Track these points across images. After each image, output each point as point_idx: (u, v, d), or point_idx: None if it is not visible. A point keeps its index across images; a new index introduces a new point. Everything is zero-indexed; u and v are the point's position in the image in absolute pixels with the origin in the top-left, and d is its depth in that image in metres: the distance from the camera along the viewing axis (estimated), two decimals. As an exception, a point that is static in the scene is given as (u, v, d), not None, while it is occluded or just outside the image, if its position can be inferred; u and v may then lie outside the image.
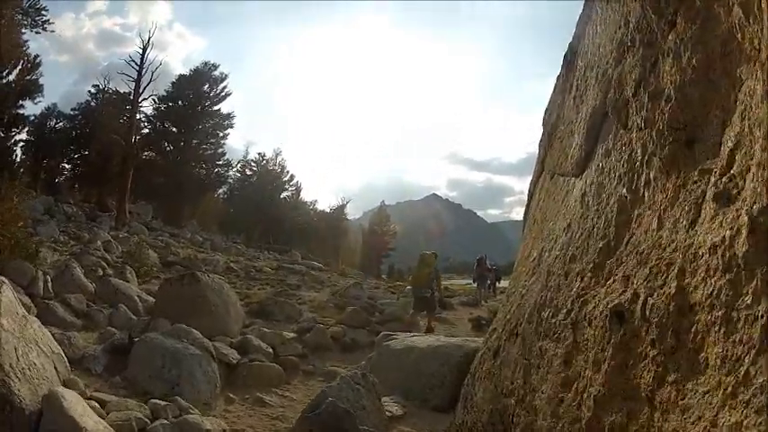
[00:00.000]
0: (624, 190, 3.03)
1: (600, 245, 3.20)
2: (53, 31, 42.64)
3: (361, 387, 6.15)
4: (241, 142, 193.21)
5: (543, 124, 6.92)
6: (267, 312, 14.95)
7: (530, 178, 7.22)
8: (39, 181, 45.58)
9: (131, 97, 43.05)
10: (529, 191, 7.33)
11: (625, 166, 3.07)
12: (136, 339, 9.09)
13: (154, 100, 49.73)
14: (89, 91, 51.42)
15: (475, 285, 26.28)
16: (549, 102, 6.58)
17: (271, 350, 11.09)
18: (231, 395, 8.86)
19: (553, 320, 3.67)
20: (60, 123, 50.42)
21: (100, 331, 10.63)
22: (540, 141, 6.86)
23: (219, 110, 56.74)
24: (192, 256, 26.34)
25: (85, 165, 49.17)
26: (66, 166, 52.21)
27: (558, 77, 6.05)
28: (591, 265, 3.26)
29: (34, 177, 45.37)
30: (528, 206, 7.16)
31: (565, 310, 3.50)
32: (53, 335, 7.85)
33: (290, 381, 10.31)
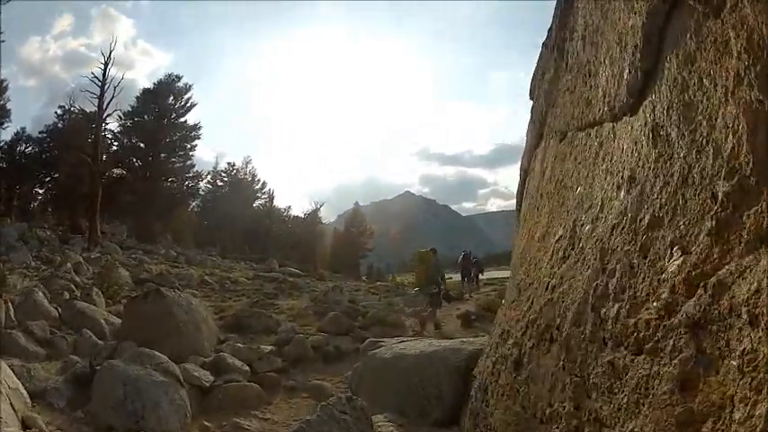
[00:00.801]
0: (754, 92, 1.89)
1: (723, 188, 2.01)
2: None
3: (347, 415, 5.08)
4: (212, 154, 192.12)
5: (532, 95, 6.21)
6: (243, 325, 13.89)
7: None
8: (12, 208, 44.95)
9: (96, 115, 42.05)
10: (522, 168, 6.42)
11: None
12: (97, 367, 8.23)
13: (119, 116, 49.58)
14: (56, 112, 50.42)
15: (459, 279, 26.12)
16: (537, 69, 5.77)
17: (247, 368, 10.20)
18: (206, 422, 7.93)
19: (631, 320, 2.49)
20: (30, 147, 49.43)
21: (63, 360, 9.72)
22: (532, 114, 6.10)
23: (186, 121, 55.87)
24: (164, 271, 25.35)
25: (57, 187, 48.37)
26: (40, 190, 51.41)
27: (547, 39, 5.39)
28: (706, 225, 2.08)
29: (8, 204, 44.80)
30: (524, 184, 6.24)
31: (658, 304, 2.30)
32: (13, 368, 7.53)
33: (271, 400, 9.44)
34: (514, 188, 6.92)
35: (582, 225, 3.37)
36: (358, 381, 8.08)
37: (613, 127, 3.14)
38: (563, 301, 3.31)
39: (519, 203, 6.51)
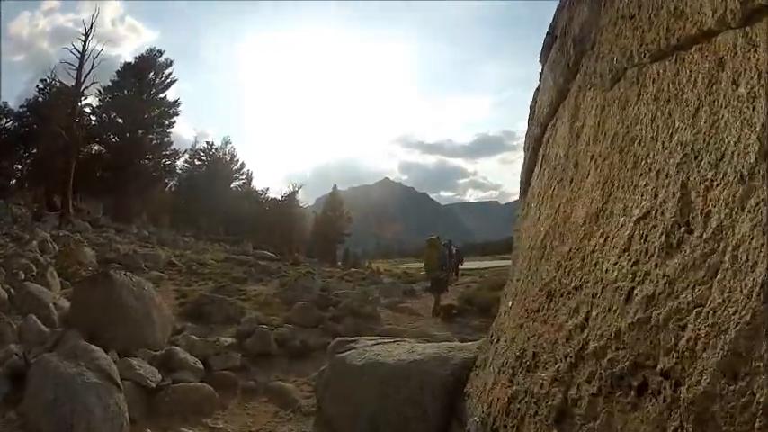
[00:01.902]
0: None
1: None
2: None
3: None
4: (193, 133, 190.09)
5: (545, 54, 5.03)
6: (203, 313, 12.59)
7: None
8: (-8, 184, 43.17)
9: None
10: (531, 139, 5.17)
11: None
12: (32, 361, 7.28)
13: (99, 91, 48.29)
14: (37, 86, 47.97)
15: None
16: (560, 18, 4.50)
17: (201, 365, 9.03)
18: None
19: None
20: (10, 122, 47.31)
21: (5, 350, 8.44)
22: (546, 74, 4.89)
23: (165, 97, 54.24)
24: (131, 252, 23.97)
25: (34, 163, 46.48)
26: (18, 166, 49.19)
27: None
28: None
29: (-12, 181, 42.97)
30: (535, 157, 5.00)
31: None
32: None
33: (226, 404, 8.34)
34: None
35: (707, 188, 1.99)
36: (324, 388, 6.78)
37: (745, 33, 1.84)
38: (683, 325, 1.89)
39: (526, 183, 5.28)
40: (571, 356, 2.57)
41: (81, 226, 32.67)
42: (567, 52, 4.11)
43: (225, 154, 62.11)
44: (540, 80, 5.38)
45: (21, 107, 47.53)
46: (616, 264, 2.41)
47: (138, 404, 7.34)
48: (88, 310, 9.49)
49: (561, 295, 2.98)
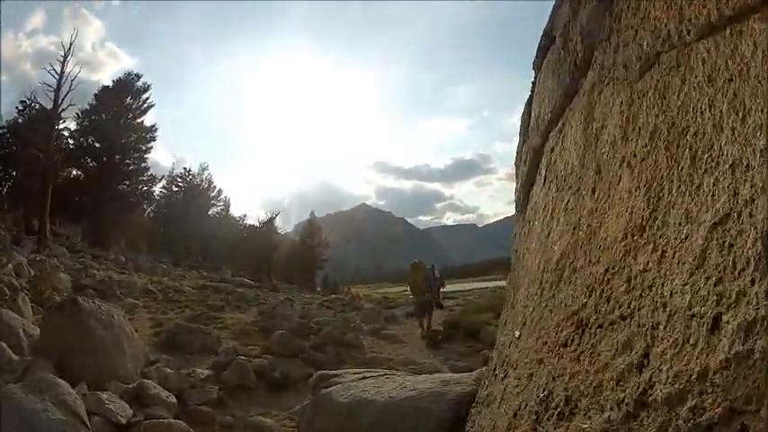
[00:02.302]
0: None
1: None
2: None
3: None
4: (172, 159, 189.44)
5: (539, 60, 4.69)
6: (178, 343, 11.89)
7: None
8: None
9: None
10: (530, 149, 4.67)
11: None
12: None
13: (77, 114, 47.65)
14: (17, 107, 47.03)
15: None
16: (558, 17, 4.05)
17: (174, 399, 8.38)
18: (116, 474, 6.20)
19: None
20: (-11, 144, 46.18)
21: None
22: (545, 76, 4.45)
23: (142, 122, 53.45)
24: (106, 278, 23.22)
25: (14, 185, 45.43)
26: (-1, 188, 48.15)
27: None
28: None
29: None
30: (535, 169, 4.53)
31: None
32: None
33: None
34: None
35: None
36: (307, 426, 6.22)
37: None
38: None
39: (524, 199, 4.79)
40: (627, 403, 2.04)
41: (58, 251, 31.84)
42: (572, 49, 3.66)
43: (202, 180, 61.33)
44: (532, 90, 5.00)
45: (0, 128, 46.66)
46: (686, 284, 1.88)
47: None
48: (57, 339, 9.02)
49: (599, 326, 2.44)
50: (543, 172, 4.22)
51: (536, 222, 4.13)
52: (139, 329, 12.87)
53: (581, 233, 3.01)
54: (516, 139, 5.45)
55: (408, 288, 18.45)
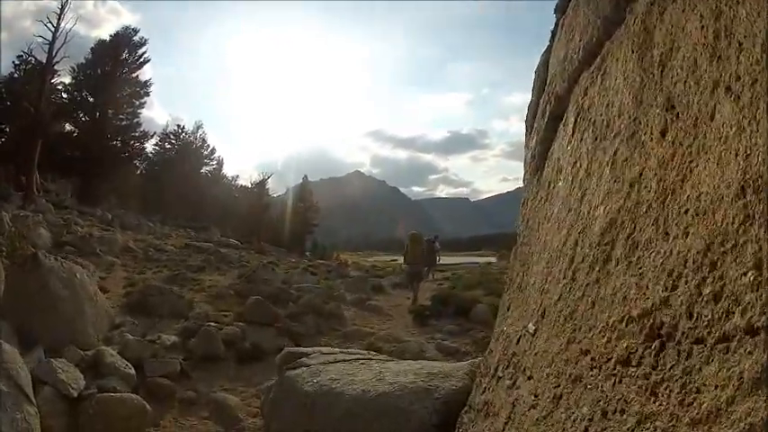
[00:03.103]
0: None
1: None
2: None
3: None
4: (167, 118, 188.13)
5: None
6: (148, 306, 10.91)
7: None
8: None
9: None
10: (555, 99, 3.69)
11: None
12: None
13: (72, 68, 46.39)
14: (13, 62, 45.10)
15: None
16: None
17: (133, 370, 7.54)
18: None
19: None
20: (-16, 100, 44.95)
21: None
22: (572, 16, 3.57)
23: (137, 77, 51.77)
24: (87, 235, 22.23)
25: (6, 141, 43.87)
26: (-7, 143, 46.94)
27: None
28: None
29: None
30: (548, 130, 3.69)
31: None
32: None
33: (160, 419, 6.99)
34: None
35: None
36: (271, 409, 5.29)
37: None
38: None
39: (540, 158, 3.85)
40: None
41: (44, 206, 30.64)
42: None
43: (196, 138, 60.09)
44: (552, 39, 4.27)
45: (-5, 83, 45.66)
46: None
47: (57, 417, 6.05)
48: (19, 298, 8.22)
49: (698, 341, 1.40)
50: (571, 121, 3.25)
51: (559, 183, 3.18)
52: (112, 289, 12.15)
53: (645, 192, 2.02)
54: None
55: (403, 257, 18.40)
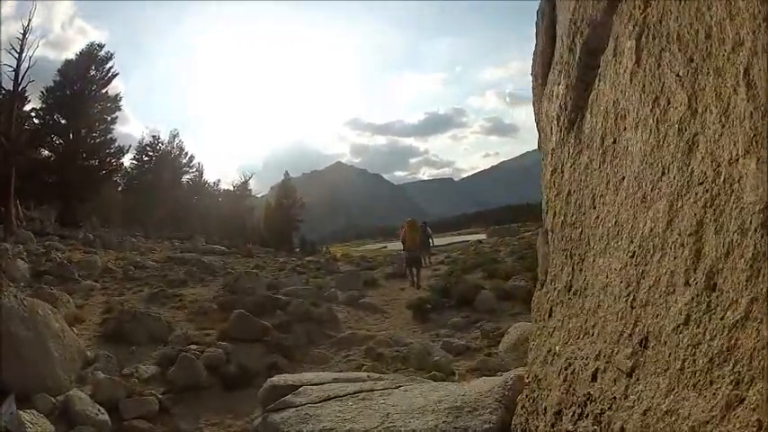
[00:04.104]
0: None
1: None
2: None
3: None
4: (146, 132, 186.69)
5: None
6: (124, 333, 9.67)
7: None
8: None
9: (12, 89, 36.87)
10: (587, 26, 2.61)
11: None
12: None
13: (42, 92, 45.19)
14: None
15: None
16: None
17: (106, 415, 6.52)
18: None
19: None
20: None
21: None
22: None
23: (107, 92, 49.89)
24: (66, 261, 21.06)
25: None
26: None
27: None
28: None
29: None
30: (582, 68, 2.71)
31: None
32: None
33: None
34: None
35: None
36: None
37: None
38: None
39: (574, 106, 2.76)
40: None
41: (25, 236, 29.07)
42: None
43: (173, 148, 58.93)
44: None
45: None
46: None
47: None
48: None
49: None
50: (629, 47, 2.14)
51: (627, 134, 2.09)
52: (89, 317, 11.02)
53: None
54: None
55: (402, 243, 18.35)
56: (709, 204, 1.53)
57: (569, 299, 2.58)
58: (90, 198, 47.25)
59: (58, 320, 8.45)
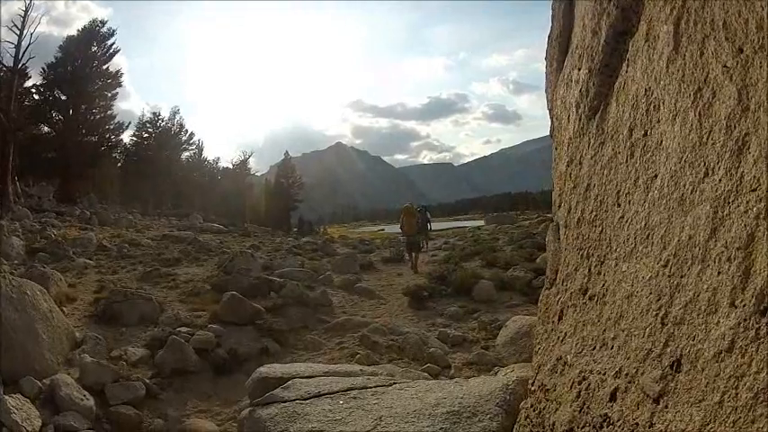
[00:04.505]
0: None
1: None
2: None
3: None
4: (147, 108, 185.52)
5: None
6: (114, 314, 9.42)
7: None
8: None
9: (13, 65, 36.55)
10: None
11: None
12: None
13: (43, 69, 45.23)
14: None
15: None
16: None
17: (91, 401, 6.29)
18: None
19: None
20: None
21: None
22: None
23: (108, 68, 49.71)
24: (61, 238, 20.79)
25: None
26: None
27: None
28: None
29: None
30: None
31: None
32: None
33: None
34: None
35: None
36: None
37: None
38: None
39: (597, 91, 2.53)
40: None
41: (22, 213, 28.89)
42: None
43: (173, 125, 58.74)
44: None
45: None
46: None
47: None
48: None
49: None
50: (666, 31, 1.91)
51: (660, 127, 1.85)
52: (81, 296, 10.76)
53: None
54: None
55: (400, 227, 19.22)
56: (762, 216, 1.31)
57: (584, 303, 2.36)
58: (89, 174, 47.18)
59: (47, 301, 8.21)
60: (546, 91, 3.78)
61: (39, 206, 33.69)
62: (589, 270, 2.38)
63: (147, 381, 7.01)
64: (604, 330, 2.12)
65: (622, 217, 2.15)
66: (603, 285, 2.20)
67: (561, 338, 2.55)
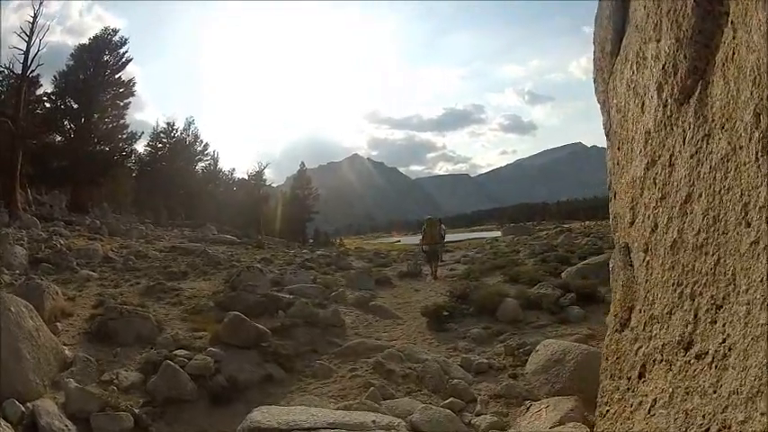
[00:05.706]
0: None
1: None
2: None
3: None
4: (162, 119, 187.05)
5: None
6: (108, 333, 8.77)
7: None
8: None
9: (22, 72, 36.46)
10: None
11: None
12: None
13: (54, 77, 45.67)
14: None
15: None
16: None
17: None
18: None
19: None
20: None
21: None
22: None
23: (120, 77, 49.85)
24: (65, 248, 20.29)
25: None
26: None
27: None
28: None
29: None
30: None
31: None
32: None
33: None
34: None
35: None
36: None
37: None
38: None
39: (694, 65, 1.81)
40: None
41: (30, 221, 28.75)
42: None
43: (188, 135, 59.17)
44: None
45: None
46: None
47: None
48: None
49: None
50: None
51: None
52: (79, 311, 10.15)
53: None
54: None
55: (422, 238, 20.60)
56: None
57: (687, 363, 1.65)
58: (101, 183, 47.39)
59: (33, 318, 7.60)
60: (594, 81, 3.10)
61: (49, 215, 33.52)
62: (695, 316, 1.67)
63: (137, 411, 6.29)
64: (726, 408, 1.42)
65: (756, 242, 1.44)
66: (724, 342, 1.50)
67: (647, 407, 1.84)
